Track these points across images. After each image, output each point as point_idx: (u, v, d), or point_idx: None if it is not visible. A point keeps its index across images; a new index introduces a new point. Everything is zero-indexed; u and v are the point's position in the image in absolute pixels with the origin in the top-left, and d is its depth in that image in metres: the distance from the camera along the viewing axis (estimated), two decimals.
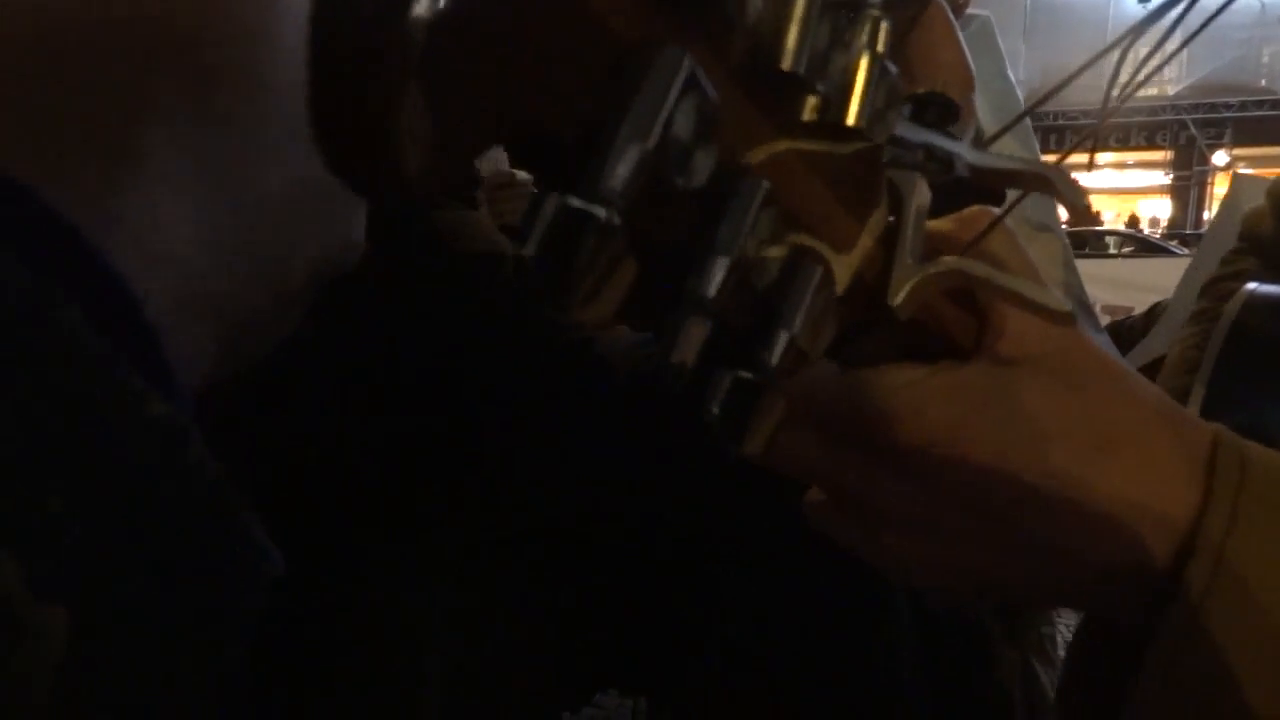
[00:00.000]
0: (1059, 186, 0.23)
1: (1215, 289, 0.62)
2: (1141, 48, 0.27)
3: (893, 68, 0.20)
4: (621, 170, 0.16)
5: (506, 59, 0.16)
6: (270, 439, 0.27)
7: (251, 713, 0.20)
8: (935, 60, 0.49)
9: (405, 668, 0.34)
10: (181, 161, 0.16)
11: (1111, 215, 17.01)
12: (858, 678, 0.45)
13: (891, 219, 0.25)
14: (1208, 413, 0.47)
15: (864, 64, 0.20)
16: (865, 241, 0.22)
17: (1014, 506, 0.26)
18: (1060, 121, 16.17)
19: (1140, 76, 0.26)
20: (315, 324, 0.21)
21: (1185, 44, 0.27)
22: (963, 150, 0.22)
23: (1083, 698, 0.29)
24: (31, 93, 0.16)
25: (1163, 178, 17.90)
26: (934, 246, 0.26)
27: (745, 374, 0.20)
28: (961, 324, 0.27)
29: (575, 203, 0.16)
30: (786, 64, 0.18)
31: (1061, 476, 0.26)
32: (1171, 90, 15.98)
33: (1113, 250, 9.51)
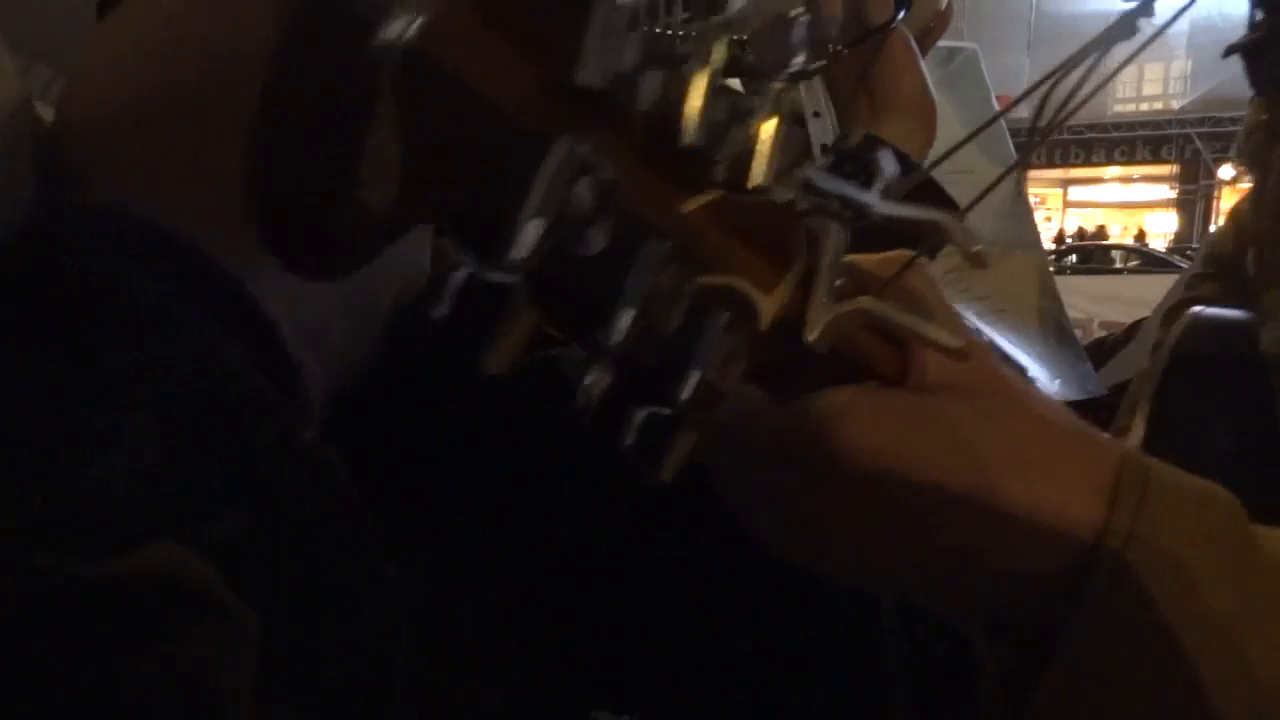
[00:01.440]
0: (954, 235, 0.25)
1: (1174, 315, 0.62)
2: (1112, 61, 0.29)
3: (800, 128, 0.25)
4: (522, 245, 0.18)
5: (425, 150, 0.18)
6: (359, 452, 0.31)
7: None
8: (897, 88, 0.58)
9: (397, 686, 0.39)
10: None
11: (1118, 229, 17.48)
12: (846, 693, 0.44)
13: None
14: (1152, 435, 0.46)
15: (767, 131, 0.22)
16: (786, 284, 0.24)
17: (934, 519, 0.28)
18: (1065, 135, 16.76)
19: (1081, 94, 0.29)
20: (386, 350, 0.24)
21: (1126, 63, 0.30)
22: (873, 200, 0.25)
23: (999, 697, 0.31)
24: (200, 168, 0.19)
25: (1168, 192, 18.12)
26: (860, 283, 0.28)
27: (659, 409, 0.22)
28: (886, 353, 0.29)
29: (482, 272, 0.18)
30: (686, 140, 0.20)
31: (978, 491, 0.28)
32: (1177, 104, 15.80)
33: (1119, 265, 9.96)
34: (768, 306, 0.23)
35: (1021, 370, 0.72)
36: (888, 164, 0.26)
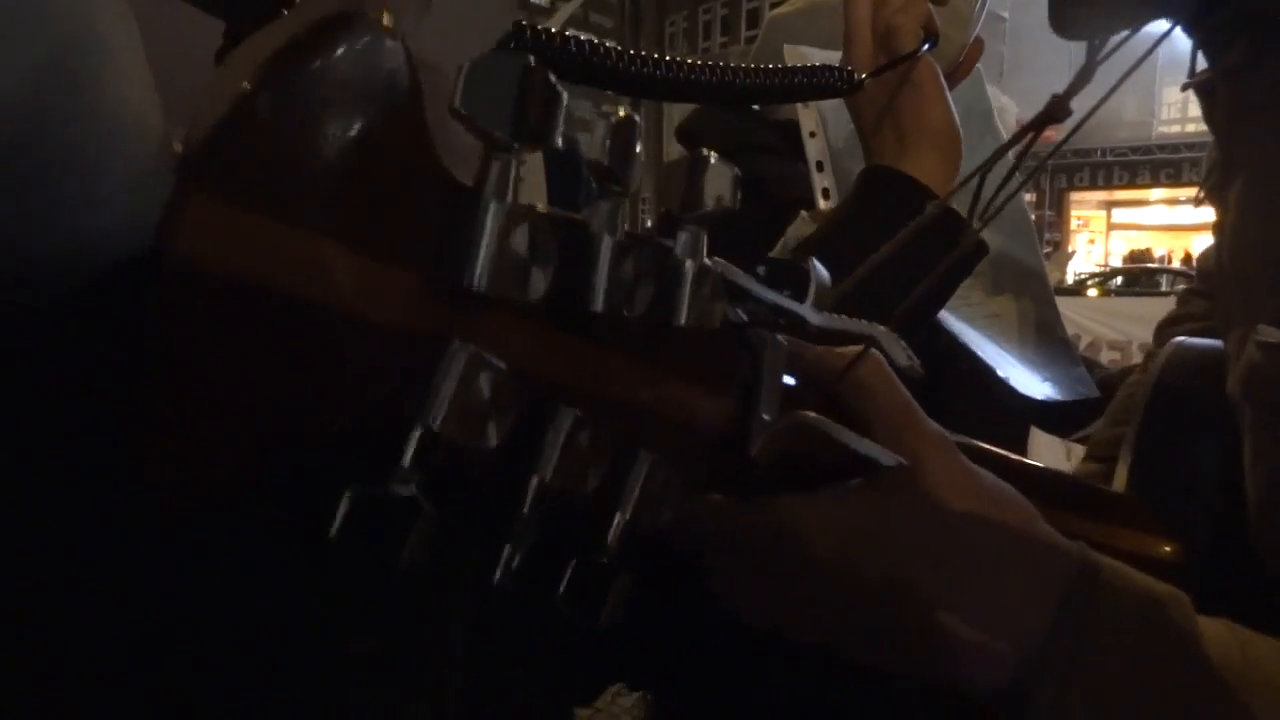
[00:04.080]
0: (885, 346, 0.26)
1: (1165, 332, 0.63)
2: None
3: (717, 264, 0.23)
4: (417, 452, 0.18)
5: (304, 376, 0.17)
6: None
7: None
8: (924, 121, 0.58)
9: (430, 665, 0.36)
10: None
11: (1163, 252, 17.36)
12: (854, 670, 0.42)
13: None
14: (1137, 470, 0.45)
15: (685, 276, 0.22)
16: (725, 401, 0.25)
17: (893, 615, 0.29)
18: (1108, 158, 16.94)
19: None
20: None
21: (1106, 96, 0.31)
22: (807, 312, 0.25)
23: None
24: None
25: (1212, 209, 19.13)
26: (816, 373, 0.28)
27: (590, 557, 0.22)
28: (839, 451, 0.28)
29: (377, 489, 0.18)
30: (596, 308, 0.20)
31: (928, 599, 0.28)
32: None
33: (1165, 288, 9.93)
34: (701, 437, 0.24)
35: (994, 372, 0.71)
36: (819, 272, 0.26)
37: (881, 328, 0.27)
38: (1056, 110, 0.34)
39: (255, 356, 0.17)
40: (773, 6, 0.96)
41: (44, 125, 0.17)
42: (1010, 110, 1.11)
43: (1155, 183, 17.84)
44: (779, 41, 0.79)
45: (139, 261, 0.17)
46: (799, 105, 0.76)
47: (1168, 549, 0.40)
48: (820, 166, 0.75)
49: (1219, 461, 0.44)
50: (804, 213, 0.70)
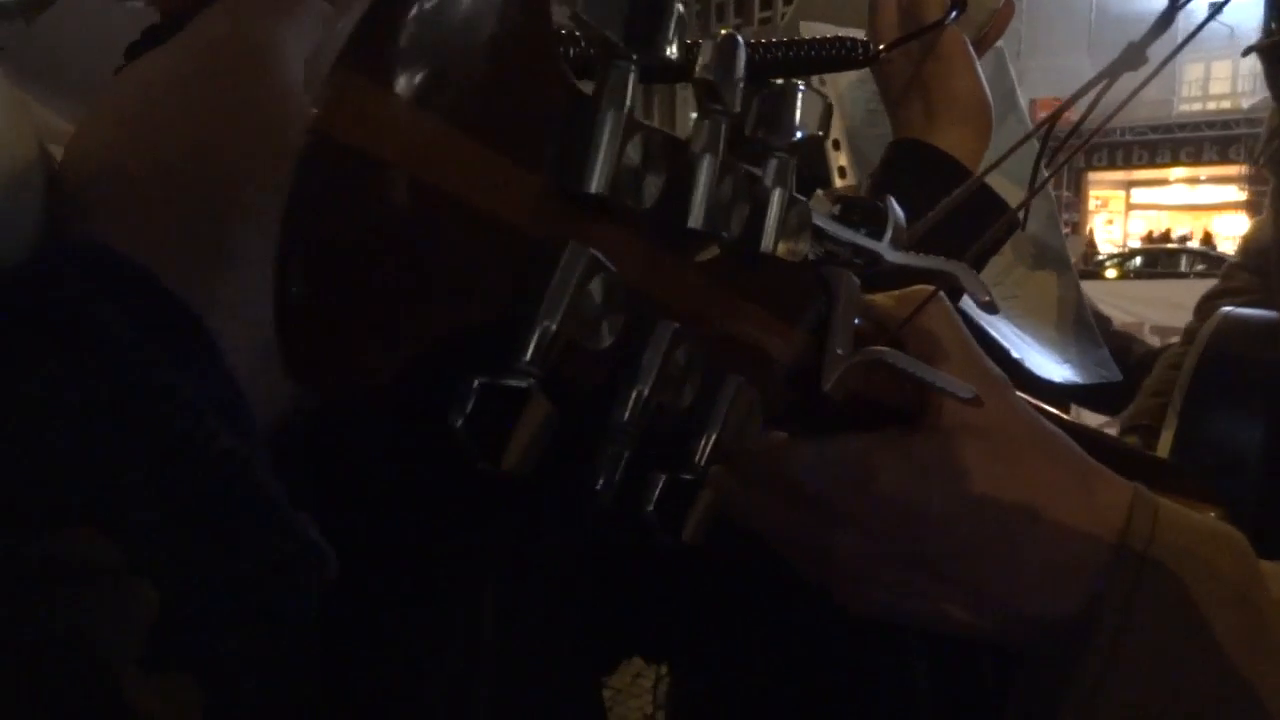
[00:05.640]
0: (964, 281, 0.26)
1: (1207, 306, 0.63)
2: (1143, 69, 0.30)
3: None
4: (537, 348, 0.18)
5: (439, 267, 0.18)
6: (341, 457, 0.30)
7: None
8: (953, 92, 0.56)
9: (463, 638, 0.37)
10: (258, 248, 0.21)
11: (1184, 231, 17.01)
12: (875, 645, 0.46)
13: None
14: (1182, 435, 0.46)
15: (772, 203, 0.22)
16: (800, 335, 0.25)
17: (951, 561, 0.29)
18: (1127, 138, 16.54)
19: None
20: None
21: (1159, 68, 0.30)
22: (884, 249, 0.26)
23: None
24: (173, 217, 0.21)
25: (1238, 193, 16.83)
26: (877, 321, 0.28)
27: (678, 474, 0.22)
28: (903, 394, 0.29)
29: (498, 379, 0.18)
30: (694, 224, 0.21)
31: (994, 535, 0.28)
32: (1246, 103, 14.79)
33: (1184, 269, 9.78)
34: (778, 366, 0.24)
35: (1010, 355, 0.71)
36: (896, 211, 0.26)
37: (960, 264, 0.26)
38: (1134, 58, 0.33)
39: (396, 242, 0.17)
40: None
41: None
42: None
43: (1175, 161, 17.58)
44: (807, 17, 0.80)
45: (7, 273, 0.18)
46: (815, 82, 0.76)
47: (1211, 515, 0.40)
48: (837, 145, 0.74)
49: (1265, 428, 0.45)
50: (819, 192, 0.74)
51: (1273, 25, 0.41)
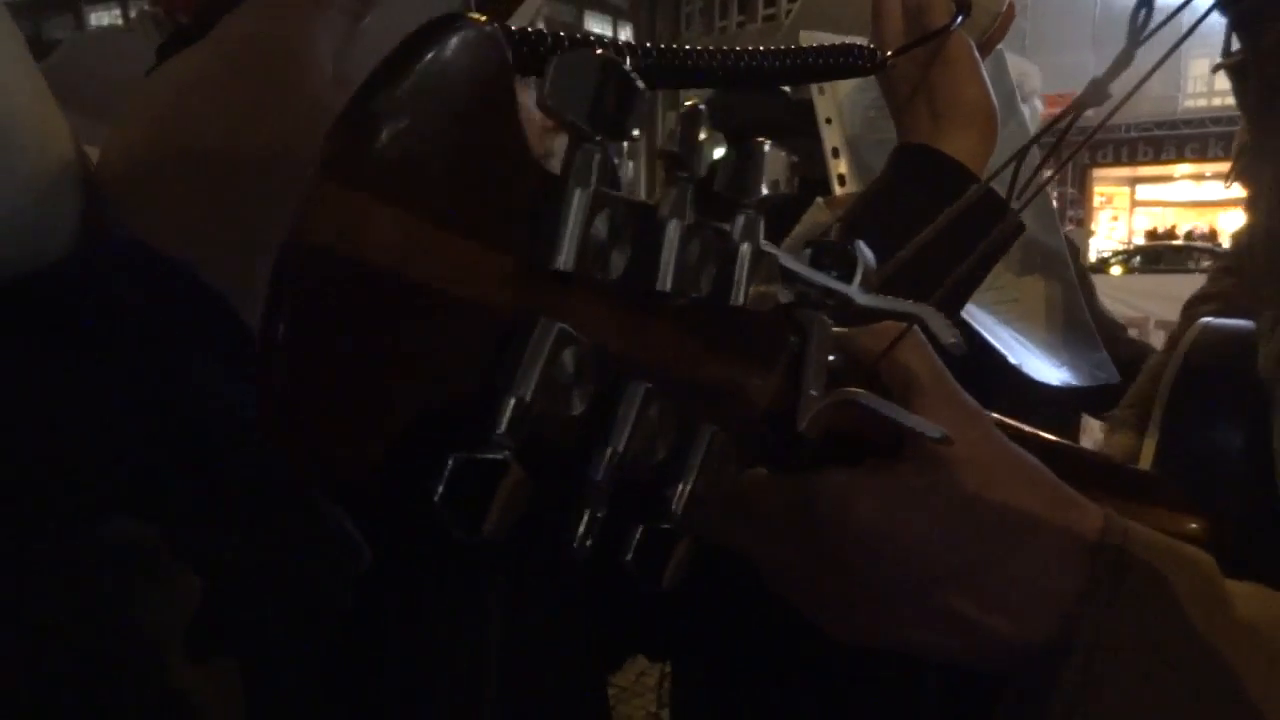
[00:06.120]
0: (931, 324, 0.27)
1: (1193, 310, 0.63)
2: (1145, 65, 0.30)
3: (768, 247, 0.24)
4: (511, 420, 0.19)
5: (415, 354, 0.18)
6: None
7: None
8: (959, 98, 0.56)
9: (471, 638, 0.38)
10: None
11: (1189, 228, 17.08)
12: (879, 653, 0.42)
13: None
14: (1164, 449, 0.47)
15: (742, 258, 0.23)
16: (774, 378, 0.26)
17: (931, 587, 0.29)
18: (1132, 134, 16.48)
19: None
20: None
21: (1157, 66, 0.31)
22: (854, 292, 0.26)
23: None
24: (206, 213, 0.22)
25: (1242, 189, 18.61)
26: (852, 356, 0.29)
27: (655, 524, 0.23)
28: (879, 428, 0.29)
29: (474, 453, 0.19)
30: (663, 287, 0.22)
31: (972, 563, 0.29)
32: None
33: (1190, 265, 9.73)
34: (754, 408, 0.25)
35: (1009, 360, 0.71)
36: (865, 254, 0.27)
37: (927, 306, 0.27)
38: (1094, 95, 0.34)
39: (373, 336, 0.18)
40: None
41: None
42: (1034, 76, 1.09)
43: (1180, 158, 17.54)
44: (809, 24, 0.81)
45: (43, 277, 0.18)
46: (814, 91, 0.76)
47: (1194, 526, 0.41)
48: (836, 153, 0.75)
49: (1246, 440, 0.45)
50: (819, 200, 0.70)
51: (1236, 42, 0.41)
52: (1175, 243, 13.69)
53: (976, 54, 0.60)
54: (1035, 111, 1.11)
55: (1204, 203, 18.21)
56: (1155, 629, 0.29)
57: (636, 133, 0.20)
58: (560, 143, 0.22)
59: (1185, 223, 17.73)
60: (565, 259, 0.20)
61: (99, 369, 0.18)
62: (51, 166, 0.20)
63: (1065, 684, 0.28)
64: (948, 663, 0.32)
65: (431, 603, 0.37)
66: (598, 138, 0.20)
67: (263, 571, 0.19)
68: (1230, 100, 0.44)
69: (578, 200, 0.20)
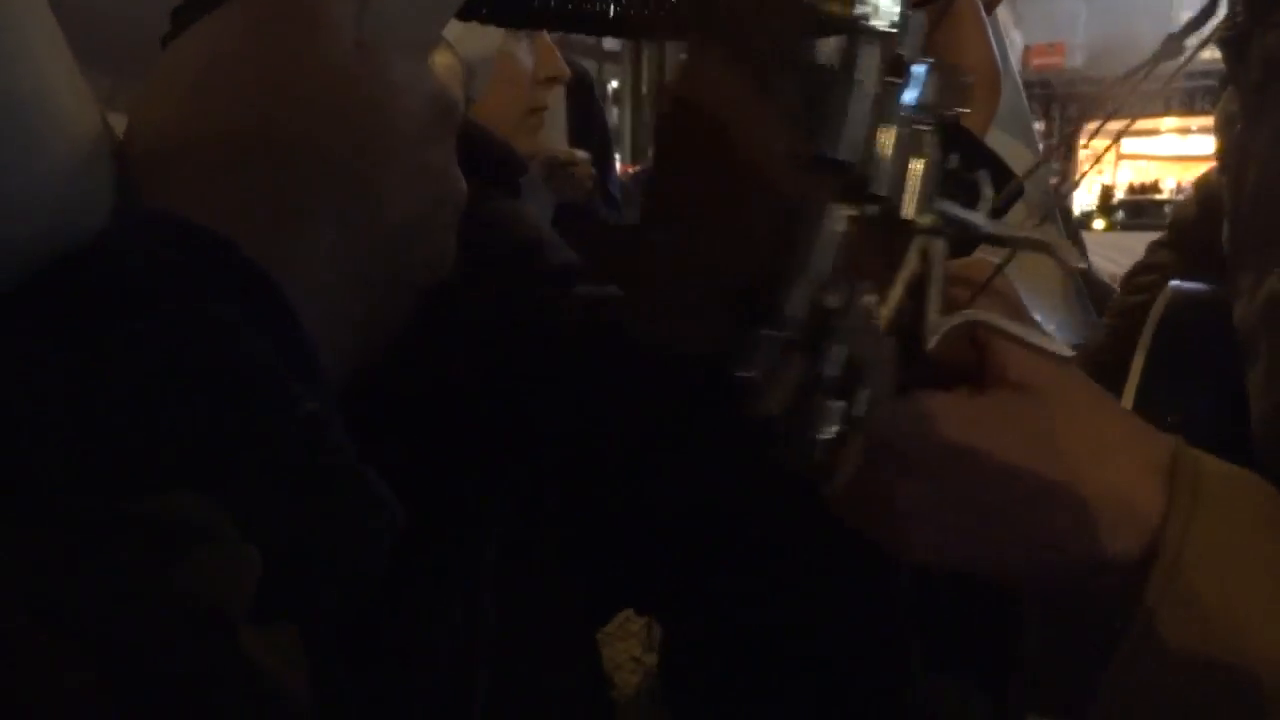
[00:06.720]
0: (1055, 251, 0.27)
1: (1132, 282, 0.63)
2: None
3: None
4: (798, 303, 0.20)
5: (717, 231, 0.21)
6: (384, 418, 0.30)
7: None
8: (964, 59, 0.55)
9: (466, 595, 0.39)
10: (326, 211, 0.22)
11: (1173, 183, 17.14)
12: (863, 604, 0.47)
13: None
14: (1140, 410, 0.47)
15: (918, 169, 0.24)
16: (898, 292, 0.27)
17: (1020, 508, 0.31)
18: (1117, 88, 17.34)
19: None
20: (414, 327, 0.26)
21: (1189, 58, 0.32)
22: (979, 220, 0.27)
23: (1053, 684, 0.32)
24: (240, 182, 0.22)
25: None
26: (950, 284, 0.29)
27: (841, 427, 0.23)
28: (967, 356, 0.31)
29: (766, 330, 0.20)
30: (878, 190, 0.23)
31: (1062, 482, 0.30)
32: None
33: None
34: (888, 311, 0.26)
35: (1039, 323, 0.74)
36: (986, 185, 0.28)
37: (1050, 231, 0.28)
38: (1170, 50, 0.34)
39: (721, 213, 0.20)
40: None
41: None
42: (1018, 44, 1.28)
43: (1167, 111, 17.46)
44: None
45: (75, 259, 0.19)
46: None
47: None
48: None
49: (1218, 399, 0.46)
50: None
51: (1237, 12, 0.41)
52: (1158, 198, 13.86)
53: (983, 13, 0.60)
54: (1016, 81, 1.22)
55: (1189, 157, 18.19)
56: (1231, 545, 0.30)
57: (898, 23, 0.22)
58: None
59: (1170, 177, 17.90)
60: (847, 150, 0.21)
61: (146, 343, 0.19)
62: (84, 141, 0.21)
63: (1147, 600, 0.30)
64: (1034, 584, 0.34)
65: (428, 564, 0.38)
66: (876, 31, 0.22)
67: (316, 539, 0.20)
68: (1218, 54, 0.44)
69: (856, 96, 0.21)
